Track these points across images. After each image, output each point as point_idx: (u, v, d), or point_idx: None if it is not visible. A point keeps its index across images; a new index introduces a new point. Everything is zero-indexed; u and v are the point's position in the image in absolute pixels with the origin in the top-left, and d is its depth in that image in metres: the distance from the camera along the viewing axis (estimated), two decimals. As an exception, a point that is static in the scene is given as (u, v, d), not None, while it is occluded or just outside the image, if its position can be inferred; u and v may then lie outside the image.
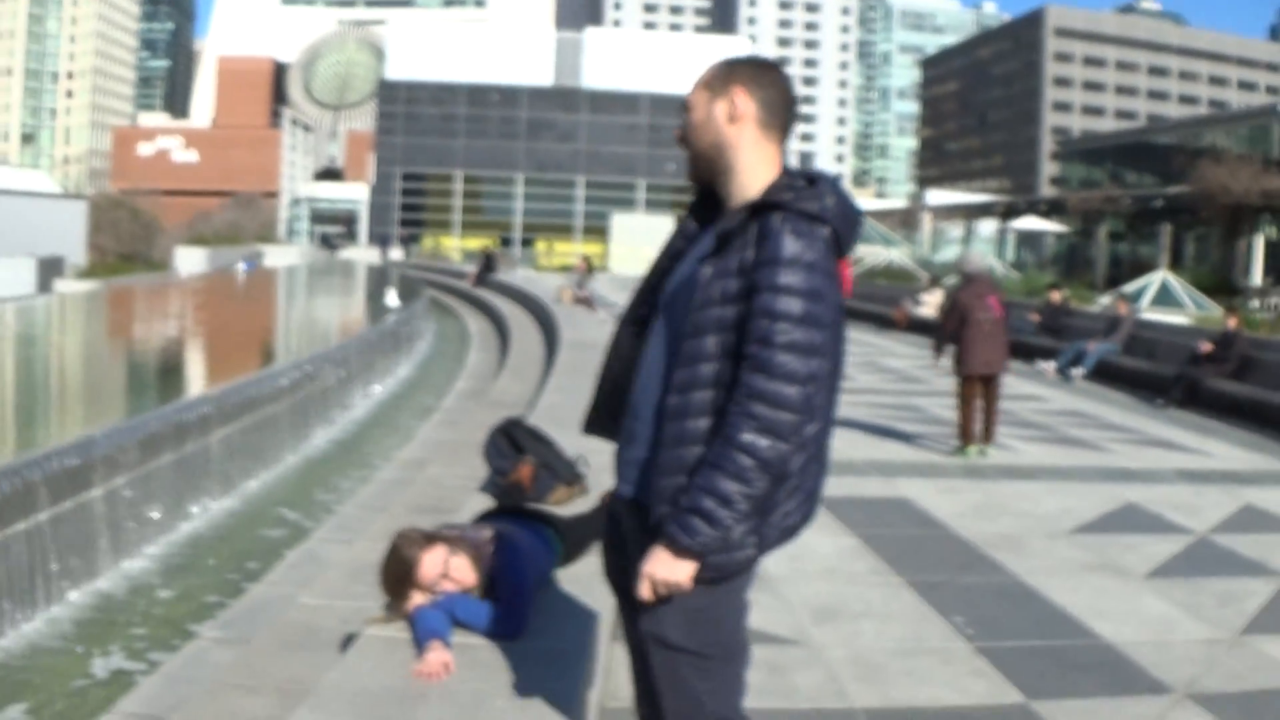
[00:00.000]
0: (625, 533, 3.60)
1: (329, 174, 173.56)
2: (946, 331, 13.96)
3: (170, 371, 17.31)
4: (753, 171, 3.44)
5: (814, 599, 7.45)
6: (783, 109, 3.53)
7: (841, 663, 6.29)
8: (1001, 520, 10.51)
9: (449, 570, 5.19)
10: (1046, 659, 7.00)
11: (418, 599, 5.17)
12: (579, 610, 5.51)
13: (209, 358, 19.60)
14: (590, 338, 20.78)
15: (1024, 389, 20.45)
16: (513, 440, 8.10)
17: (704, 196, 3.64)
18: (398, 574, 5.24)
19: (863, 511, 10.38)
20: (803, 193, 3.33)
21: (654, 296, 3.64)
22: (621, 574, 3.64)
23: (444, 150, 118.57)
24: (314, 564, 8.22)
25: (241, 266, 70.40)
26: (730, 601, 3.44)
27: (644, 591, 3.30)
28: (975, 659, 6.91)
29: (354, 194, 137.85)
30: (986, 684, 6.54)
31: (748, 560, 3.34)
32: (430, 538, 5.29)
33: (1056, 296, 28.32)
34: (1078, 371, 23.06)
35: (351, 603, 5.84)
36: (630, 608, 3.56)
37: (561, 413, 10.84)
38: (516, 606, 5.15)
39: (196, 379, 16.29)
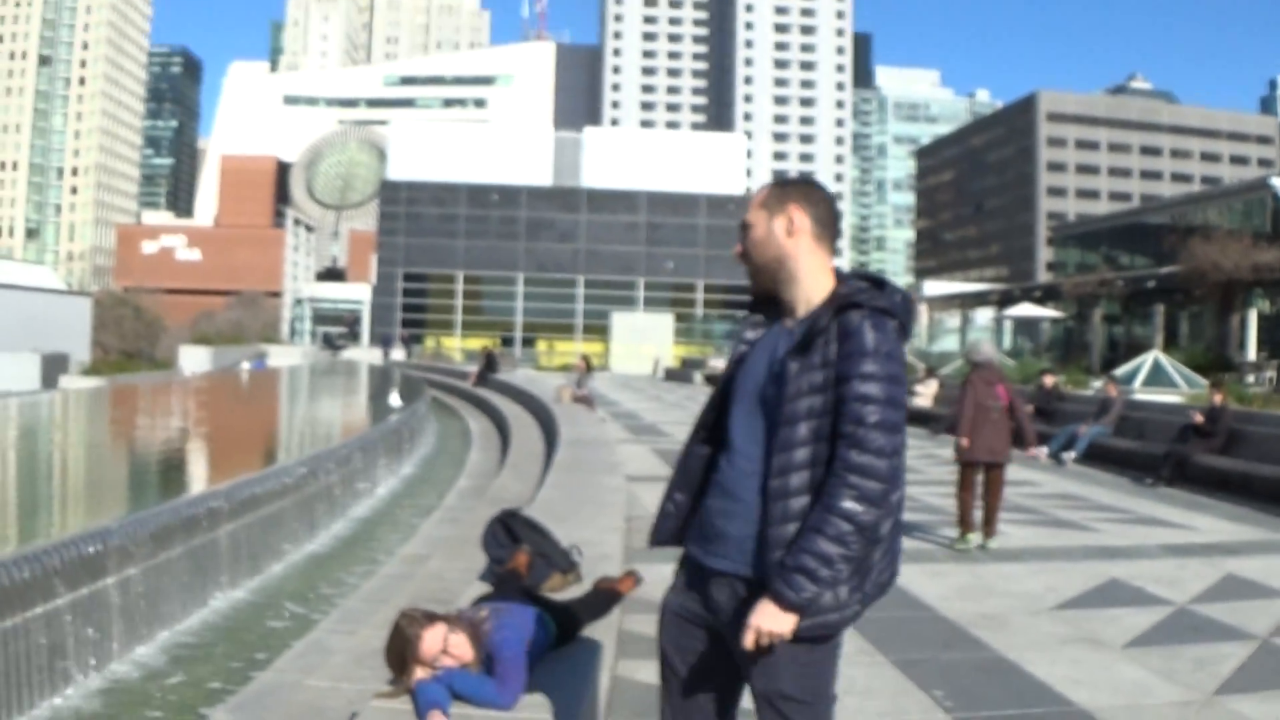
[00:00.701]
0: (715, 603, 4.05)
1: (331, 274, 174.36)
2: (960, 419, 13.81)
3: (177, 468, 17.58)
4: (813, 276, 4.05)
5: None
6: (831, 222, 4.13)
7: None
8: (986, 601, 10.80)
9: (448, 646, 5.58)
10: None
11: (419, 674, 5.55)
12: (570, 685, 5.90)
13: (216, 455, 19.89)
14: (589, 435, 21.28)
15: (1017, 474, 20.60)
16: (510, 530, 8.49)
17: (756, 303, 4.26)
18: (401, 650, 5.63)
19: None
20: (873, 292, 3.93)
21: (725, 399, 4.19)
22: (687, 638, 4.16)
23: (445, 250, 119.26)
24: (319, 652, 8.46)
25: (247, 366, 71.01)
26: (834, 654, 4.02)
27: (749, 642, 3.77)
28: None
29: (356, 294, 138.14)
30: None
31: (854, 617, 3.91)
32: (431, 617, 5.71)
33: (1049, 381, 28.73)
34: (1070, 455, 23.43)
35: (357, 685, 6.06)
36: (712, 663, 4.11)
37: (559, 507, 11.22)
38: (511, 680, 5.52)
39: (204, 475, 16.57)
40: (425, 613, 5.78)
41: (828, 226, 4.13)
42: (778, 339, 4.06)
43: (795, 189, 4.19)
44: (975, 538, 13.46)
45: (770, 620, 3.77)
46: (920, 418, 29.80)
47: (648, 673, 7.80)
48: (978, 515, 13.72)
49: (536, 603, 6.67)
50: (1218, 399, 21.36)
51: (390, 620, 5.98)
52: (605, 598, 7.50)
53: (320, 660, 7.34)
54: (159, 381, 51.06)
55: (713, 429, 4.24)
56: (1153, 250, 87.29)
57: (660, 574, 10.68)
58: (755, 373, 4.07)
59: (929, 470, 20.90)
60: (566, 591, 7.77)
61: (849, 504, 3.71)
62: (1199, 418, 20.85)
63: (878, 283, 4.03)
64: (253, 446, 21.88)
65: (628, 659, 8.32)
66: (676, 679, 4.21)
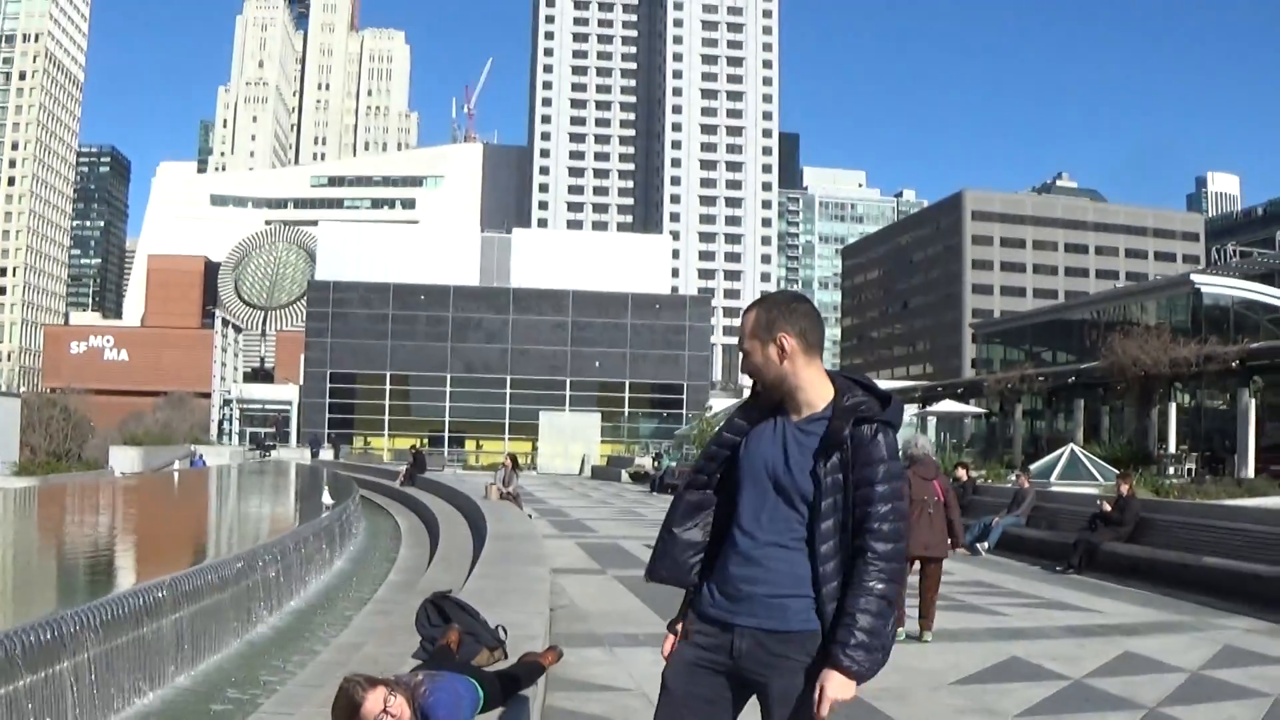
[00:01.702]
0: (739, 651, 4.72)
1: (259, 374, 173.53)
2: None
3: (119, 562, 18.01)
4: (812, 385, 4.78)
5: None
6: (817, 335, 4.83)
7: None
8: (890, 676, 11.21)
9: (388, 707, 6.16)
10: None
11: None
12: None
13: (155, 550, 20.25)
14: (516, 531, 21.72)
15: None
16: (441, 611, 9.12)
17: (763, 399, 4.93)
18: (346, 710, 6.20)
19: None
20: (875, 406, 4.71)
21: (724, 469, 4.91)
22: (697, 685, 4.81)
23: (373, 350, 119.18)
24: None
25: (181, 464, 70.91)
26: None
27: (823, 711, 4.56)
28: None
29: (284, 394, 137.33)
30: None
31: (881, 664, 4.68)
32: (372, 681, 6.30)
33: (963, 474, 29.48)
34: (984, 545, 24.19)
35: None
36: (706, 711, 4.82)
37: (487, 595, 11.70)
38: None
39: (148, 568, 16.93)
40: (367, 677, 6.36)
41: (815, 339, 4.81)
42: (787, 434, 4.78)
43: (780, 316, 4.82)
44: (903, 631, 13.06)
45: (841, 690, 4.56)
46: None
47: None
48: (913, 609, 13.68)
49: (467, 671, 7.32)
50: (1125, 489, 22.16)
51: (327, 704, 6.52)
52: (529, 670, 8.02)
53: None
54: (91, 481, 50.86)
55: (706, 487, 4.95)
56: (1075, 346, 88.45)
57: (581, 656, 11.63)
58: (766, 456, 4.78)
59: None
60: (493, 666, 8.29)
61: (880, 585, 4.57)
62: (1108, 507, 21.65)
63: (873, 391, 4.79)
64: (190, 542, 22.32)
65: None
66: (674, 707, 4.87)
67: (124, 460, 71.19)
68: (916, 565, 13.71)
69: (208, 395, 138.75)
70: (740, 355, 4.90)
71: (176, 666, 12.56)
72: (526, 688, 7.77)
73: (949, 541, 14.47)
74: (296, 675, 12.24)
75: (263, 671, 13.42)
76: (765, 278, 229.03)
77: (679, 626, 4.89)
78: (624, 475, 63.07)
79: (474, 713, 6.84)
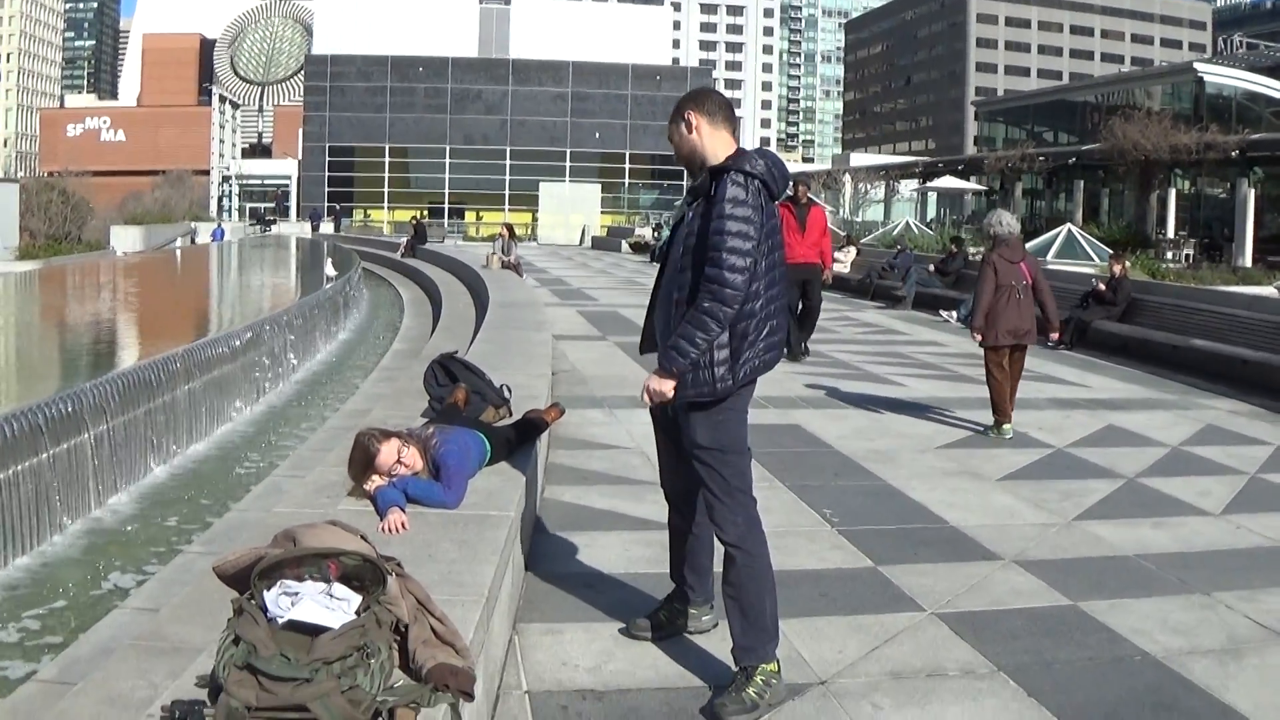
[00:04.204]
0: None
1: (258, 150, 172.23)
2: (979, 301, 12.48)
3: (126, 339, 18.30)
4: (714, 155, 5.35)
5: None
6: (722, 111, 5.44)
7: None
8: (880, 440, 11.82)
9: (402, 457, 6.56)
10: (898, 538, 8.31)
11: (379, 481, 6.48)
12: (503, 491, 6.83)
13: (163, 325, 20.49)
14: (517, 299, 21.96)
15: (925, 335, 22.14)
16: (448, 371, 9.44)
17: (696, 182, 5.42)
18: (363, 461, 6.54)
19: (757, 435, 11.24)
20: (742, 159, 5.22)
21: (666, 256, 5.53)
22: (661, 409, 5.55)
23: (371, 124, 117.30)
24: (277, 493, 9.14)
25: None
26: (731, 417, 5.36)
27: (643, 398, 5.39)
28: (836, 538, 8.26)
29: (283, 169, 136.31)
30: (843, 554, 7.88)
31: (726, 390, 5.23)
32: (387, 434, 6.66)
33: (954, 248, 30.49)
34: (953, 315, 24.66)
35: (319, 510, 6.47)
36: (671, 431, 5.59)
37: (491, 359, 11.84)
38: (455, 485, 6.49)
39: (169, 338, 16.99)
40: (382, 430, 6.71)
41: (721, 116, 5.42)
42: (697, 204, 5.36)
43: (688, 100, 5.51)
44: (1010, 429, 12.31)
45: (654, 382, 5.27)
46: (841, 284, 31.28)
47: (572, 495, 9.02)
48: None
49: (474, 426, 7.61)
50: (1118, 269, 22.33)
51: (339, 465, 6.94)
52: (533, 426, 8.25)
53: (279, 499, 7.76)
54: (93, 261, 50.84)
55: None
56: (1077, 128, 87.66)
57: (582, 417, 12.15)
58: (678, 237, 5.41)
59: (842, 331, 22.50)
60: (499, 422, 8.57)
61: (707, 303, 5.05)
62: (1101, 286, 21.87)
63: (763, 155, 5.32)
64: (196, 316, 22.61)
65: (554, 484, 9.33)
66: (658, 440, 5.86)
67: (125, 240, 70.94)
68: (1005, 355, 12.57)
69: (206, 173, 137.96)
70: (671, 144, 5.56)
71: (190, 436, 12.97)
72: (531, 441, 8.03)
73: (1044, 331, 13.34)
74: (308, 439, 12.67)
75: (274, 435, 13.92)
76: (767, 50, 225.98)
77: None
78: (624, 246, 62.64)
79: (481, 464, 7.13)
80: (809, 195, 18.32)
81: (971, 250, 32.18)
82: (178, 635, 5.02)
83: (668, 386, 5.22)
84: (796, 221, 17.62)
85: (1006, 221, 12.99)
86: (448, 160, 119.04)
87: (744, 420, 5.45)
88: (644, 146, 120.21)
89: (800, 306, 17.91)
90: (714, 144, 5.36)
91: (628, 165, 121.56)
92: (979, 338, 12.50)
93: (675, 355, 5.15)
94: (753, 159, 5.23)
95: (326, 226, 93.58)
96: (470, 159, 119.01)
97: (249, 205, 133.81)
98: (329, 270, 29.56)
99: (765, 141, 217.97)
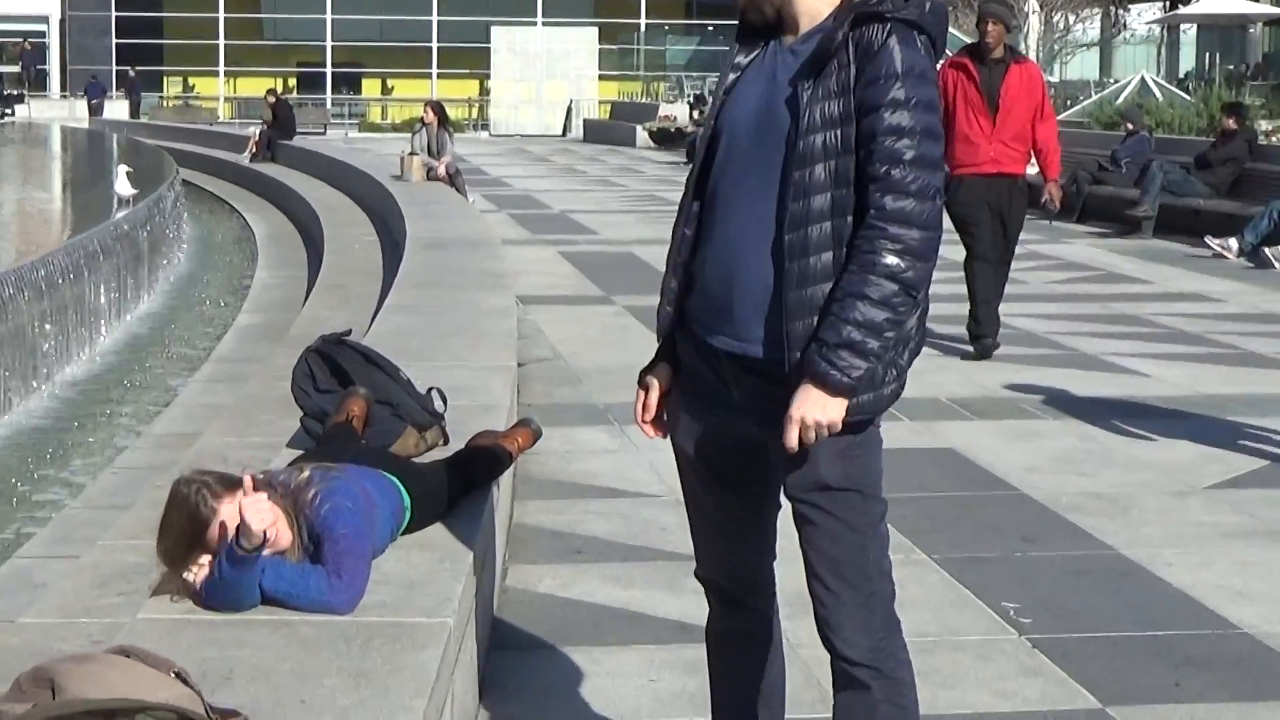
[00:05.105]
0: (729, 396, 3.70)
1: None
2: None
3: None
4: None
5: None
6: None
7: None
8: (1102, 475, 8.35)
9: (251, 523, 4.58)
10: (1143, 654, 5.70)
11: (210, 566, 4.56)
12: (435, 580, 4.83)
13: None
14: (457, 234, 16.40)
15: (1181, 283, 16.54)
16: (335, 366, 6.45)
17: (756, 22, 3.73)
18: (185, 531, 4.57)
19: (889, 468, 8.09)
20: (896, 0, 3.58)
21: (712, 147, 3.74)
22: (700, 436, 3.84)
23: None
24: (26, 587, 6.80)
25: None
26: (874, 436, 3.77)
27: (791, 439, 3.47)
28: (1028, 653, 5.68)
29: (33, 6, 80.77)
30: (1042, 685, 5.36)
31: (894, 396, 3.67)
32: (226, 482, 4.59)
33: (1231, 124, 20.22)
34: (1277, 250, 17.08)
35: (99, 621, 4.78)
36: (724, 468, 3.85)
37: (412, 340, 8.80)
38: (348, 570, 4.55)
39: None
40: (219, 476, 4.64)
41: None
42: (776, 62, 3.61)
43: None
44: None
45: (817, 409, 3.43)
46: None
47: (555, 581, 6.52)
48: None
49: (382, 464, 5.34)
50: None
51: (150, 519, 4.86)
52: (486, 460, 5.86)
53: (30, 597, 5.88)
54: None
55: (701, 191, 3.79)
56: None
57: (572, 439, 8.58)
58: (749, 107, 3.63)
59: (1029, 279, 15.73)
60: (426, 456, 6.07)
61: (892, 259, 3.41)
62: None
63: None
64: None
65: (523, 563, 6.69)
66: (697, 494, 4.02)
67: None
68: None
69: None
70: None
71: None
72: (482, 488, 5.66)
73: None
74: (85, 489, 9.46)
75: (27, 485, 10.26)
76: None
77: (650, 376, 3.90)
78: (640, 133, 45.90)
79: (395, 530, 5.05)
80: (1007, 42, 11.53)
81: (1264, 126, 22.80)
82: None
83: (839, 410, 3.41)
84: (982, 95, 11.03)
85: None
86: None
87: (881, 444, 3.86)
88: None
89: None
90: None
91: (642, -5, 72.88)
92: None
93: (849, 356, 3.40)
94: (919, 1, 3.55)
95: (115, 108, 62.38)
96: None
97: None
98: (120, 186, 22.49)
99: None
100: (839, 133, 3.43)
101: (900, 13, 3.47)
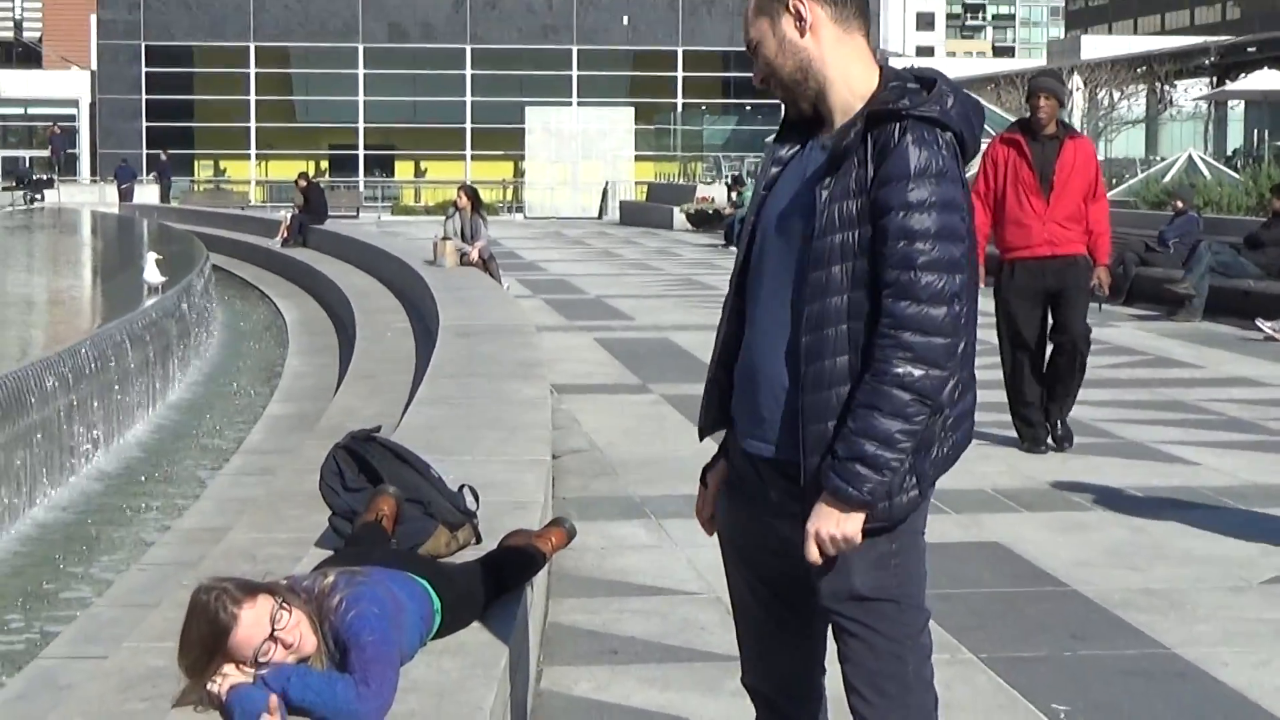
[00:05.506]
0: (768, 498, 3.65)
1: (15, 55, 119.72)
2: None
3: None
4: (848, 76, 3.53)
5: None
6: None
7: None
8: (1154, 569, 8.07)
9: (277, 629, 4.44)
10: None
11: (234, 675, 4.36)
12: (466, 687, 4.66)
13: None
14: (491, 321, 16.13)
15: (1232, 368, 16.18)
16: (364, 464, 6.30)
17: (795, 117, 3.67)
18: (207, 639, 4.40)
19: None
20: (917, 96, 3.45)
21: (751, 243, 3.77)
22: (746, 537, 3.80)
23: (222, 7, 70.80)
24: (50, 689, 6.62)
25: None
26: (913, 543, 3.64)
27: (812, 554, 3.44)
28: None
29: (63, 89, 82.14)
30: None
31: (914, 502, 3.51)
32: (249, 588, 4.46)
33: None
34: None
35: None
36: (768, 572, 3.79)
37: (443, 433, 8.67)
38: (376, 679, 4.40)
39: None
40: (239, 582, 4.48)
41: (852, 5, 3.54)
42: (809, 159, 3.55)
43: None
44: None
45: (832, 524, 3.38)
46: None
47: (591, 684, 6.32)
48: None
49: (410, 566, 5.25)
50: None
51: (173, 620, 4.66)
52: (520, 560, 5.74)
53: (54, 700, 5.80)
54: None
55: (742, 288, 3.75)
56: None
57: (609, 534, 8.32)
58: (780, 205, 3.60)
59: None
60: (458, 556, 5.95)
61: (904, 368, 3.32)
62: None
63: (926, 82, 3.50)
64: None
65: (559, 664, 6.47)
66: (744, 597, 3.93)
67: None
68: None
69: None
70: (751, 55, 3.60)
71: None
72: (515, 589, 5.54)
73: None
74: (109, 588, 9.16)
75: (50, 580, 10.10)
76: None
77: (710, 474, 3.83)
78: (678, 215, 44.77)
79: (424, 636, 4.93)
80: (1060, 117, 10.92)
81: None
82: None
83: (856, 525, 3.33)
84: (1034, 172, 10.41)
85: None
86: (361, 71, 71.30)
87: (925, 552, 3.70)
88: (708, 40, 71.22)
89: (1048, 345, 10.93)
90: (843, 57, 3.48)
91: (680, 73, 73.16)
92: None
93: (862, 470, 3.29)
94: (941, 92, 3.40)
95: (146, 192, 61.35)
96: (403, 67, 71.95)
97: (2, 154, 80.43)
98: (149, 274, 21.24)
99: (924, 19, 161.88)
100: (856, 233, 3.39)
101: (919, 109, 3.40)
